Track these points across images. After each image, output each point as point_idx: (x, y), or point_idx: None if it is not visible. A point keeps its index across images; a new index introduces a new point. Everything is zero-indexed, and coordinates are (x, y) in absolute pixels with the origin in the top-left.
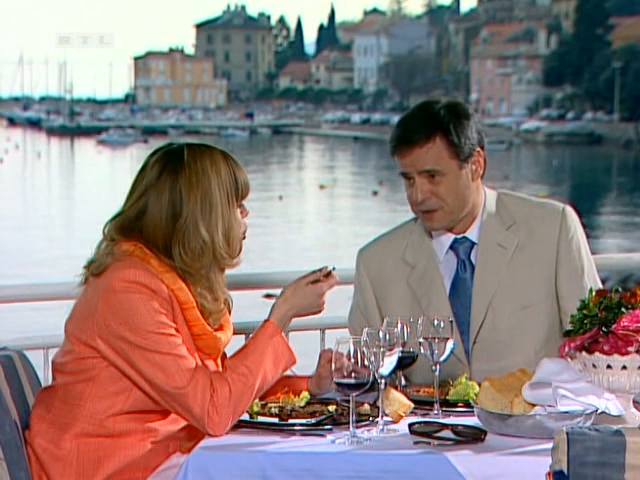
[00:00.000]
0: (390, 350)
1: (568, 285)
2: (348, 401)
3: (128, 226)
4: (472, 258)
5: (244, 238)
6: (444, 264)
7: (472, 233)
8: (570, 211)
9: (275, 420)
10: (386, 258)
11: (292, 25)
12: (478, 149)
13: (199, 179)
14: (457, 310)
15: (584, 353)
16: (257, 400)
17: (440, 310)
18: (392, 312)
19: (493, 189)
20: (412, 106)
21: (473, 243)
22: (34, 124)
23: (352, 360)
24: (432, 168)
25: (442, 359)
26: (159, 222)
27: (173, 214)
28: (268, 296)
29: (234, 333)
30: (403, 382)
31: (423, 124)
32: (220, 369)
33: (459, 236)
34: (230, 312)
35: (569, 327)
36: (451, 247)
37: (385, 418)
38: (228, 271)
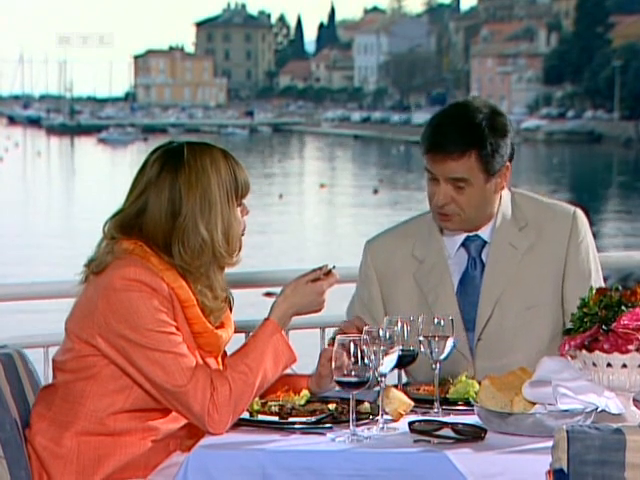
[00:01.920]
0: (390, 348)
1: (574, 288)
2: (348, 399)
3: (128, 224)
4: (483, 256)
5: (243, 235)
6: (454, 260)
7: (485, 232)
8: (581, 215)
9: (275, 418)
10: (394, 251)
11: (292, 23)
12: (507, 164)
13: (199, 177)
14: (464, 307)
15: (584, 351)
16: (257, 398)
17: (447, 306)
18: (398, 306)
19: (508, 189)
20: (450, 104)
21: (485, 241)
22: (34, 122)
23: (352, 358)
24: (461, 177)
25: (442, 357)
26: (159, 220)
27: (172, 212)
28: (268, 294)
29: (234, 331)
30: (404, 380)
31: (461, 136)
32: (221, 367)
33: (471, 234)
34: (231, 310)
35: (569, 325)
36: (462, 244)
37: (385, 416)
38: (228, 269)
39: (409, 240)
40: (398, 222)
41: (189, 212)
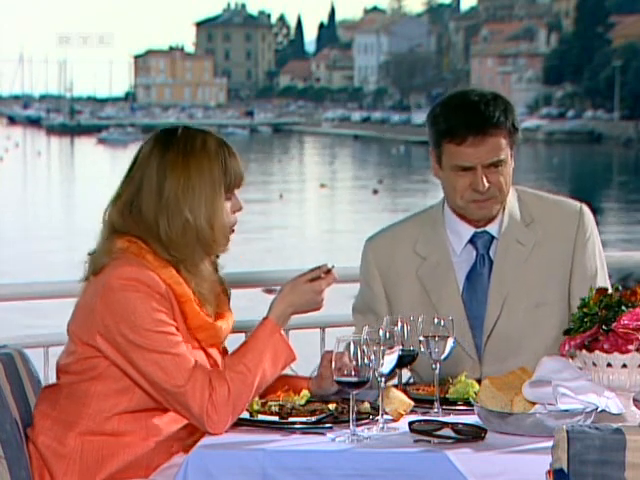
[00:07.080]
0: (390, 349)
1: (580, 286)
2: (348, 399)
3: (128, 203)
4: (490, 253)
5: (232, 232)
6: (461, 257)
7: (493, 228)
8: (587, 211)
9: (275, 418)
10: (396, 248)
11: (292, 23)
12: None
13: (186, 158)
14: (470, 305)
15: (584, 351)
16: (257, 398)
17: (451, 305)
18: (402, 305)
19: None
20: (450, 95)
21: (492, 237)
22: (34, 122)
23: (353, 362)
24: (499, 159)
25: (442, 357)
26: (149, 197)
27: (158, 190)
28: (268, 291)
29: (234, 331)
30: (408, 378)
31: (493, 109)
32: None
33: (479, 230)
34: (229, 300)
35: (569, 325)
36: (470, 241)
37: (385, 416)
38: (228, 269)
39: (411, 237)
40: (401, 218)
41: (172, 192)
